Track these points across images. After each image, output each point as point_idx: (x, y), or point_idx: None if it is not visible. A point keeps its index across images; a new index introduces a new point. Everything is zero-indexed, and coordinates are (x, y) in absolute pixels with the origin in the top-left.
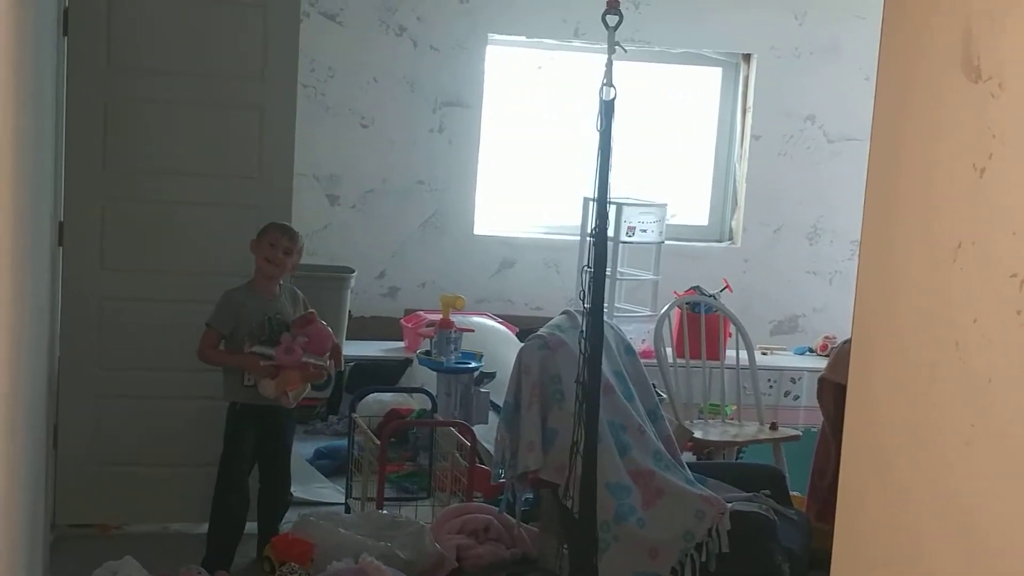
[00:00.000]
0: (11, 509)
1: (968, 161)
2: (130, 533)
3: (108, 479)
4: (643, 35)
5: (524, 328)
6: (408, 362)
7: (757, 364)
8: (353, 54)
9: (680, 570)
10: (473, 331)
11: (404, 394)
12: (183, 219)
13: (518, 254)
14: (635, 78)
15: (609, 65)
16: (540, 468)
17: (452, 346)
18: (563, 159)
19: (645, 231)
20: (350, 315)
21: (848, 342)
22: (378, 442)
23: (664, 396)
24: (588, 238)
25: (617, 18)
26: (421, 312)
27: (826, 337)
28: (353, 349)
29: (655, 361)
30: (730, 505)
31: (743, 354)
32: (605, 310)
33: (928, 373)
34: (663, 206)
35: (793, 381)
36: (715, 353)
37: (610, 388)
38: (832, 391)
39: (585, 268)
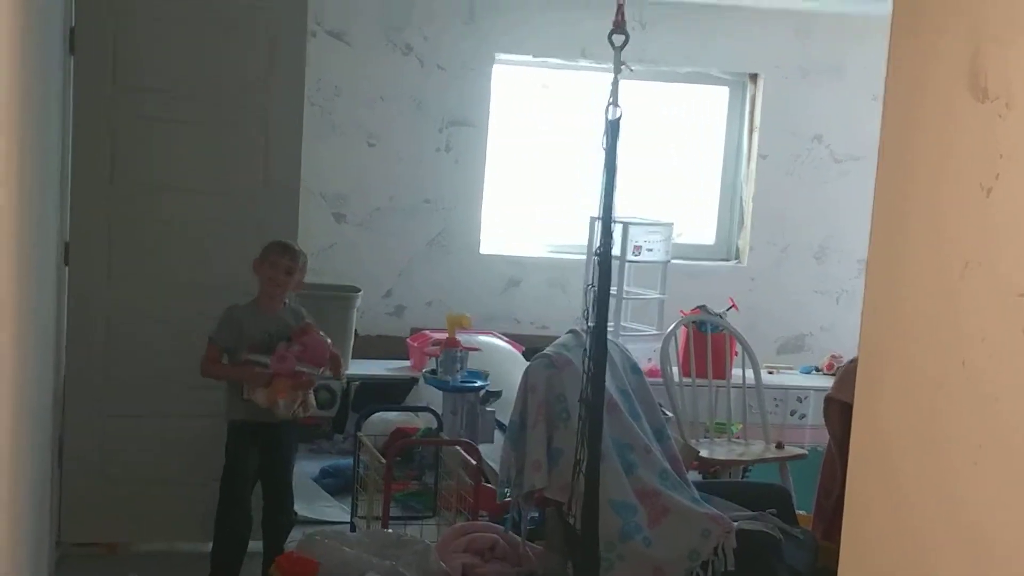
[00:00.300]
0: (16, 527)
1: (975, 181)
2: (135, 552)
3: (113, 497)
4: (650, 55)
5: (530, 347)
6: (414, 381)
7: (763, 383)
8: (360, 73)
9: None
10: (479, 350)
11: (410, 413)
12: (189, 236)
13: (524, 273)
14: (642, 97)
15: (615, 84)
16: (545, 487)
17: (458, 365)
18: (569, 178)
19: (651, 250)
20: (356, 334)
21: (854, 361)
22: (384, 461)
23: (670, 415)
24: (594, 257)
25: (623, 38)
26: (427, 331)
27: (832, 356)
28: (359, 368)
29: (661, 380)
30: (736, 524)
31: (749, 373)
32: (611, 329)
33: (935, 391)
34: (669, 225)
35: (799, 400)
36: (721, 372)
37: (615, 407)
38: (838, 410)
39: (589, 286)
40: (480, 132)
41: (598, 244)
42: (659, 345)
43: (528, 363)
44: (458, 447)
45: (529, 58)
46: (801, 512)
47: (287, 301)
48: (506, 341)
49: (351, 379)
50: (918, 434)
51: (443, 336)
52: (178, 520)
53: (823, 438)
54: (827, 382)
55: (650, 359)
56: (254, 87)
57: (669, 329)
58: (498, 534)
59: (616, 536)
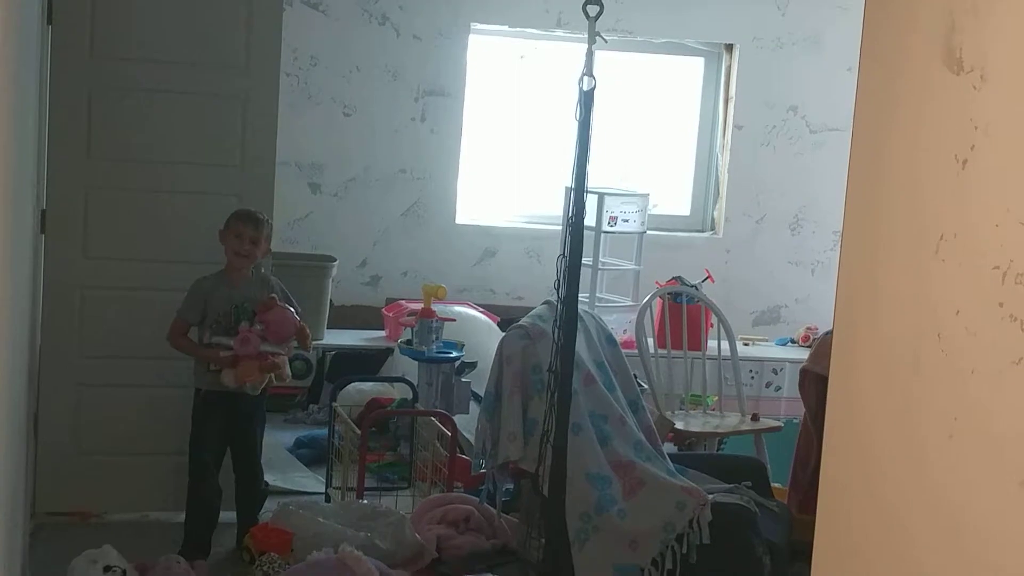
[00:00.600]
0: None
1: (950, 153)
2: (109, 521)
3: (88, 467)
4: (625, 25)
5: (505, 318)
6: (389, 351)
7: (739, 355)
8: (336, 43)
9: (661, 561)
10: (455, 320)
11: (385, 383)
12: (165, 207)
13: (500, 243)
14: (617, 68)
15: (589, 55)
16: (520, 458)
17: (433, 335)
18: (545, 148)
19: (627, 221)
20: (331, 304)
21: (830, 333)
22: (359, 432)
23: (645, 386)
24: (568, 227)
25: (598, 8)
26: (403, 301)
27: (808, 328)
28: (334, 338)
29: (636, 351)
30: (711, 496)
31: (725, 344)
32: (587, 300)
33: (910, 364)
34: (645, 196)
35: (775, 372)
36: (697, 343)
37: (591, 378)
38: (814, 382)
39: (560, 256)
40: (456, 102)
41: (571, 214)
42: (634, 316)
43: (503, 334)
44: (433, 418)
45: (505, 28)
46: (776, 485)
47: (255, 270)
48: (481, 312)
49: (326, 349)
50: (893, 406)
51: (418, 306)
52: (152, 490)
53: (798, 410)
54: (802, 354)
55: (625, 330)
56: (230, 58)
57: (644, 300)
58: (473, 505)
59: (591, 508)
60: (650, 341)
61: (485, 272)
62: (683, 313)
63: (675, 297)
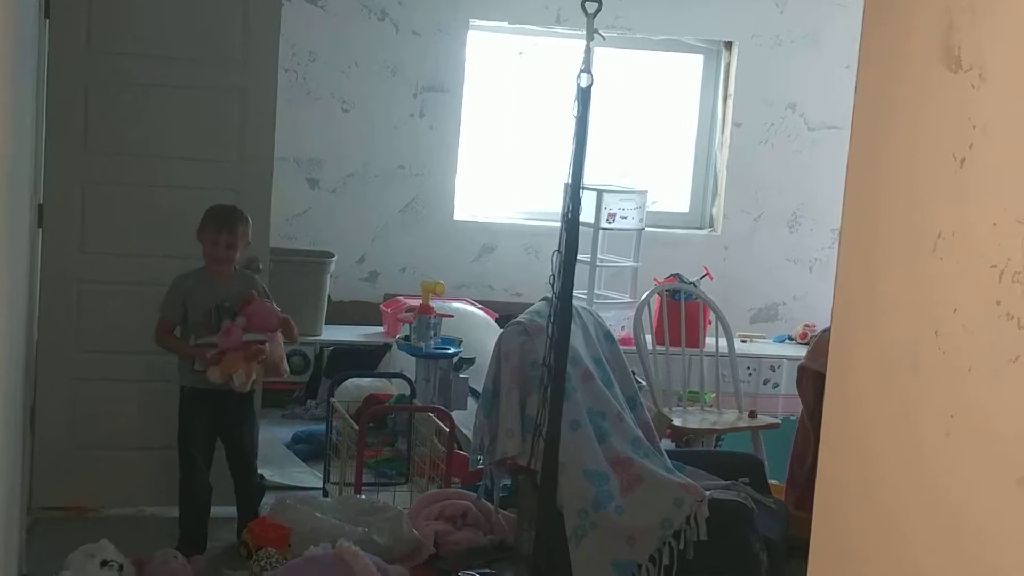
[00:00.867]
0: None
1: (948, 151)
2: (106, 516)
3: (85, 462)
4: (624, 22)
5: (504, 314)
6: (387, 347)
7: (737, 352)
8: (335, 38)
9: (658, 557)
10: (453, 317)
11: (383, 379)
12: (163, 202)
13: (498, 240)
14: (616, 65)
15: (588, 52)
16: (518, 454)
17: (431, 332)
18: (544, 145)
19: (625, 218)
20: (330, 299)
21: (828, 330)
22: (356, 427)
23: (643, 383)
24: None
25: (596, 5)
26: (401, 297)
27: (806, 325)
28: (332, 334)
29: (634, 348)
30: (708, 493)
31: (723, 342)
32: (585, 297)
33: (908, 362)
34: (644, 193)
35: (772, 369)
36: (695, 340)
37: (589, 375)
38: (811, 379)
39: (555, 252)
40: (455, 98)
41: (566, 210)
42: (632, 313)
43: (502, 330)
44: (431, 414)
45: (504, 24)
46: (774, 481)
47: (237, 268)
48: (479, 308)
49: (324, 345)
50: (891, 404)
51: (417, 302)
52: (149, 484)
53: (796, 407)
54: (800, 351)
55: (623, 327)
56: (229, 53)
57: (643, 297)
58: (470, 501)
59: (589, 504)
60: (648, 338)
61: (483, 268)
62: (681, 310)
63: (673, 294)
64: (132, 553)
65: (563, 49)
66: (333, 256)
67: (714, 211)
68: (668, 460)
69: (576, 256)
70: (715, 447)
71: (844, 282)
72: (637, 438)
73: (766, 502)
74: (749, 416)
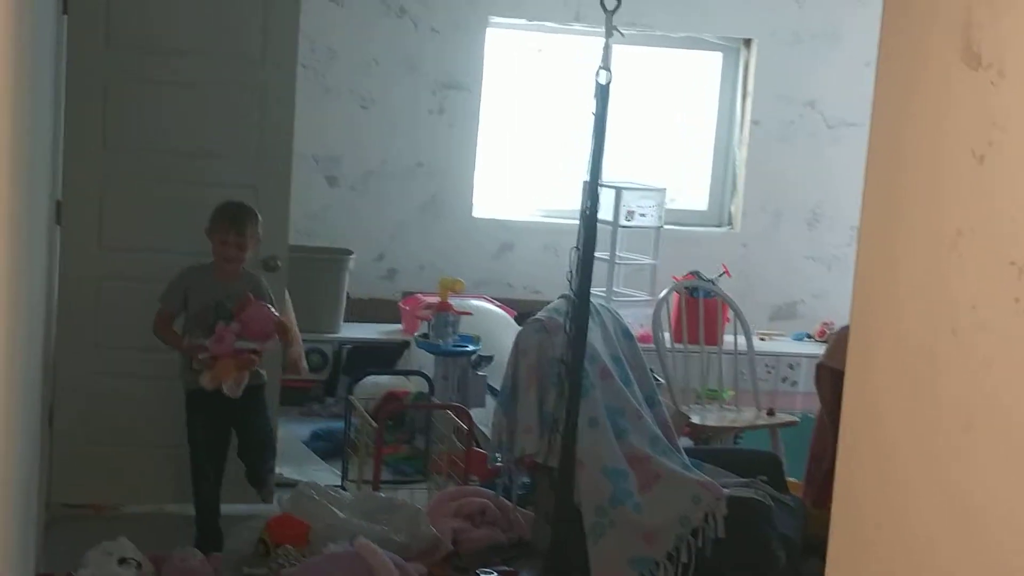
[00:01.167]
0: (6, 489)
1: (967, 148)
2: (124, 513)
3: (104, 459)
4: (644, 19)
5: (522, 312)
6: (406, 345)
7: (755, 349)
8: (354, 35)
9: (676, 555)
10: (471, 314)
11: (401, 377)
12: (181, 199)
13: (517, 237)
14: (636, 62)
15: (607, 49)
16: (536, 452)
17: (450, 329)
18: (563, 142)
19: (644, 215)
20: (348, 297)
21: (846, 328)
22: (375, 424)
23: (662, 381)
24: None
25: (616, 2)
26: (419, 295)
27: (824, 323)
28: (351, 331)
29: (653, 346)
30: (727, 491)
31: (741, 339)
32: (603, 294)
33: (927, 360)
34: (662, 190)
35: (791, 367)
36: (713, 338)
37: (608, 372)
38: (830, 377)
39: (573, 248)
40: (474, 95)
41: (585, 207)
42: (651, 311)
43: (520, 328)
44: (449, 411)
45: (523, 21)
46: (792, 479)
47: (246, 269)
48: (498, 305)
49: (342, 342)
50: (909, 401)
51: (435, 300)
52: (167, 482)
53: (814, 405)
54: (819, 349)
55: (642, 325)
56: (248, 49)
57: (661, 295)
58: (489, 499)
59: (607, 502)
60: (666, 335)
61: (502, 266)
62: (700, 308)
63: (692, 292)
64: (150, 551)
65: (582, 46)
66: (352, 253)
67: (733, 209)
68: (686, 458)
69: (594, 253)
70: (733, 445)
71: (863, 280)
72: (655, 436)
73: (784, 500)
74: (767, 414)
